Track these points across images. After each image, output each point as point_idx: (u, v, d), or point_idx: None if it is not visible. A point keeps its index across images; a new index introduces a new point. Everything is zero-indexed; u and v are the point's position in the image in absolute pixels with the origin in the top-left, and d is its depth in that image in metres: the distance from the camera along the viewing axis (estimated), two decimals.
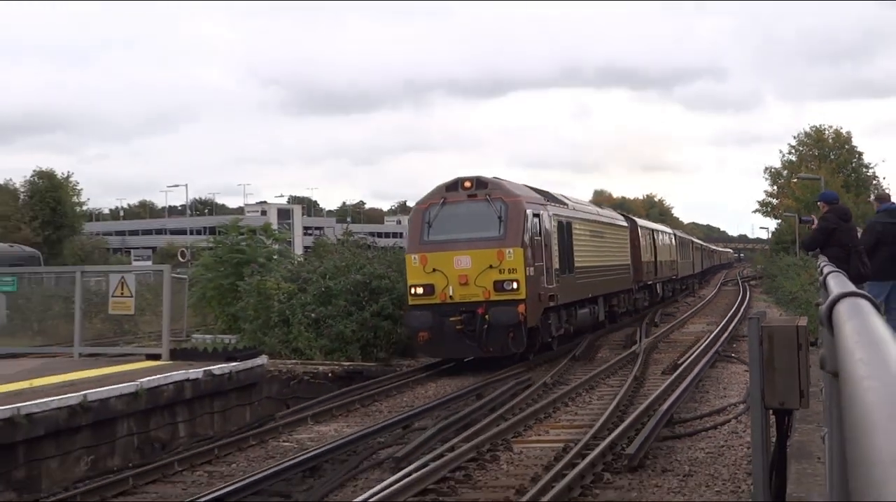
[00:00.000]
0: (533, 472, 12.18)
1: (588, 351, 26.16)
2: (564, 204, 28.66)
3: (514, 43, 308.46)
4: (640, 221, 45.11)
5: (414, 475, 11.81)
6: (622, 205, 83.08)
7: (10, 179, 77.50)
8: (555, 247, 25.03)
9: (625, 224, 38.59)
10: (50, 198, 67.03)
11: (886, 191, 61.24)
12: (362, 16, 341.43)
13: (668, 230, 57.90)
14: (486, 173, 26.73)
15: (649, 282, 41.97)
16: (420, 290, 22.57)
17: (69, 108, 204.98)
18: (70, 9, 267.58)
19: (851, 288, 2.21)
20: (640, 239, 40.11)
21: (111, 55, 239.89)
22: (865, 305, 1.64)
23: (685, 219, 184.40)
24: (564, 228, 26.67)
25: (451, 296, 22.30)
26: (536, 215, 23.83)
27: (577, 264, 27.27)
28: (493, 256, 22.25)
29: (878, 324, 1.30)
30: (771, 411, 7.22)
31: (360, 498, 10.88)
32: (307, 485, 12.39)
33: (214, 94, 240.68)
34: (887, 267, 13.68)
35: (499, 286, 22.15)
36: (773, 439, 7.78)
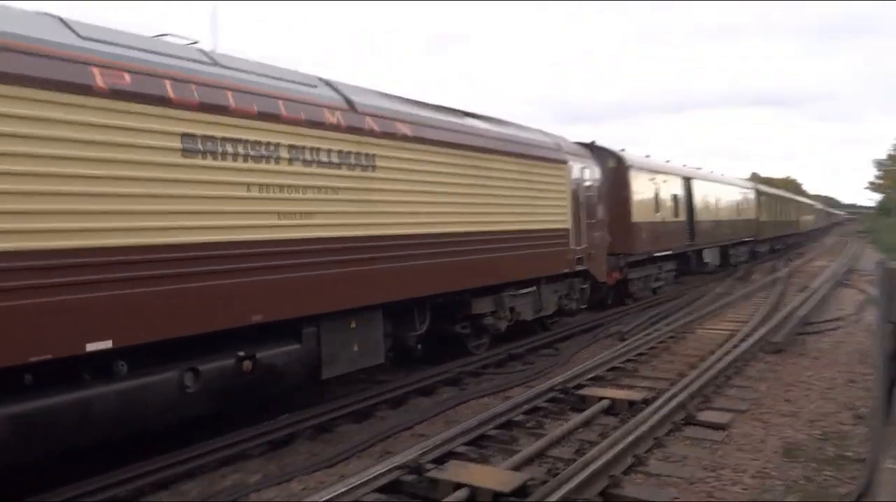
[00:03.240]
0: (709, 348, 11.36)
1: (746, 275, 24.21)
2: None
3: (696, 77, 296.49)
4: (639, 160, 18.34)
5: (633, 344, 11.37)
6: (769, 182, 70.34)
7: None
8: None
9: (561, 160, 12.28)
10: None
11: None
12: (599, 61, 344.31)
13: (739, 182, 30.69)
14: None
15: (658, 254, 18.51)
16: None
17: None
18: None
19: None
20: (633, 187, 17.10)
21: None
22: None
23: (812, 191, 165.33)
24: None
25: None
26: None
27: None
28: None
29: None
30: (890, 322, 6.32)
31: (601, 354, 10.58)
32: (566, 345, 12.25)
33: (512, 110, 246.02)
34: None
35: None
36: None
